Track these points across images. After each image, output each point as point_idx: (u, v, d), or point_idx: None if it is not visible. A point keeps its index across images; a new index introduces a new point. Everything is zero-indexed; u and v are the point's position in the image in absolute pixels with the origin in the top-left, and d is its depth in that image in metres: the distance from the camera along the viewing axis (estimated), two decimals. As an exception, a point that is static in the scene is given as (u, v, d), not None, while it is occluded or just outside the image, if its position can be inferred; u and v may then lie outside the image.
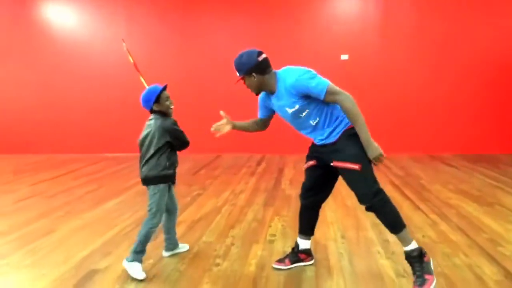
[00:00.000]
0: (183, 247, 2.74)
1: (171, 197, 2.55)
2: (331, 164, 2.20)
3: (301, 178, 2.49)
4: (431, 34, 6.33)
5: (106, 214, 3.65)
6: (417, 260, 2.10)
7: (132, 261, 2.35)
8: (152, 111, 2.43)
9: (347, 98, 2.05)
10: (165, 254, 2.66)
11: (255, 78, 2.19)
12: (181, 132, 2.42)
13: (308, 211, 2.47)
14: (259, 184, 4.70)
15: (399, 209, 2.19)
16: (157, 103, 2.38)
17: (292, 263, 2.46)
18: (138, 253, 2.37)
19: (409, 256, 2.12)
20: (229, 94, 6.29)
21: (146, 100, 2.39)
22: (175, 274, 2.42)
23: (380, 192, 2.12)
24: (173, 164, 2.45)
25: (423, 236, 2.90)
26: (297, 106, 2.16)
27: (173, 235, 2.66)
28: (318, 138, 2.25)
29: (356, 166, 2.09)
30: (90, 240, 2.98)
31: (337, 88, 2.07)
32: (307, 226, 2.49)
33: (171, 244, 2.67)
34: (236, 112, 6.73)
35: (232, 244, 2.86)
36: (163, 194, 2.41)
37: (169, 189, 2.50)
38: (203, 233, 3.08)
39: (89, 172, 5.57)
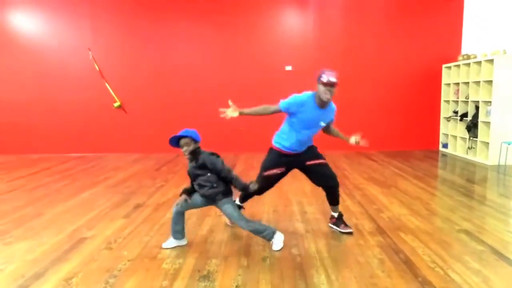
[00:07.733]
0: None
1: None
2: (306, 163, 3.19)
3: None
4: (358, 50, 7.57)
5: (84, 201, 4.40)
6: None
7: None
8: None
9: None
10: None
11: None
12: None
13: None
14: (213, 176, 5.58)
15: (321, 192, 3.30)
16: None
17: None
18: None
19: None
20: (190, 98, 7.16)
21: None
22: (147, 237, 3.26)
23: None
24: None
25: (332, 208, 3.93)
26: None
27: None
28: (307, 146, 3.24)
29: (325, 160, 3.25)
30: (76, 219, 3.74)
31: None
32: None
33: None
34: (200, 113, 7.57)
35: (189, 218, 3.74)
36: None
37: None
38: (166, 212, 3.93)
39: (60, 170, 6.21)
